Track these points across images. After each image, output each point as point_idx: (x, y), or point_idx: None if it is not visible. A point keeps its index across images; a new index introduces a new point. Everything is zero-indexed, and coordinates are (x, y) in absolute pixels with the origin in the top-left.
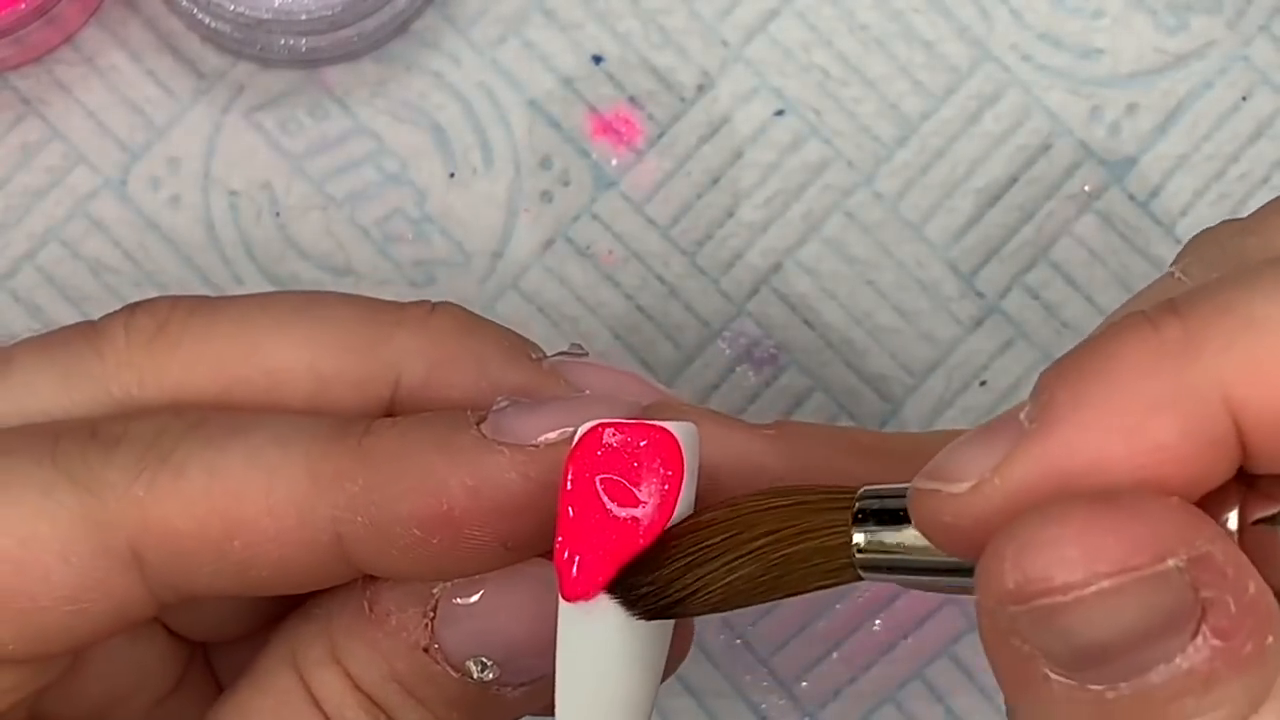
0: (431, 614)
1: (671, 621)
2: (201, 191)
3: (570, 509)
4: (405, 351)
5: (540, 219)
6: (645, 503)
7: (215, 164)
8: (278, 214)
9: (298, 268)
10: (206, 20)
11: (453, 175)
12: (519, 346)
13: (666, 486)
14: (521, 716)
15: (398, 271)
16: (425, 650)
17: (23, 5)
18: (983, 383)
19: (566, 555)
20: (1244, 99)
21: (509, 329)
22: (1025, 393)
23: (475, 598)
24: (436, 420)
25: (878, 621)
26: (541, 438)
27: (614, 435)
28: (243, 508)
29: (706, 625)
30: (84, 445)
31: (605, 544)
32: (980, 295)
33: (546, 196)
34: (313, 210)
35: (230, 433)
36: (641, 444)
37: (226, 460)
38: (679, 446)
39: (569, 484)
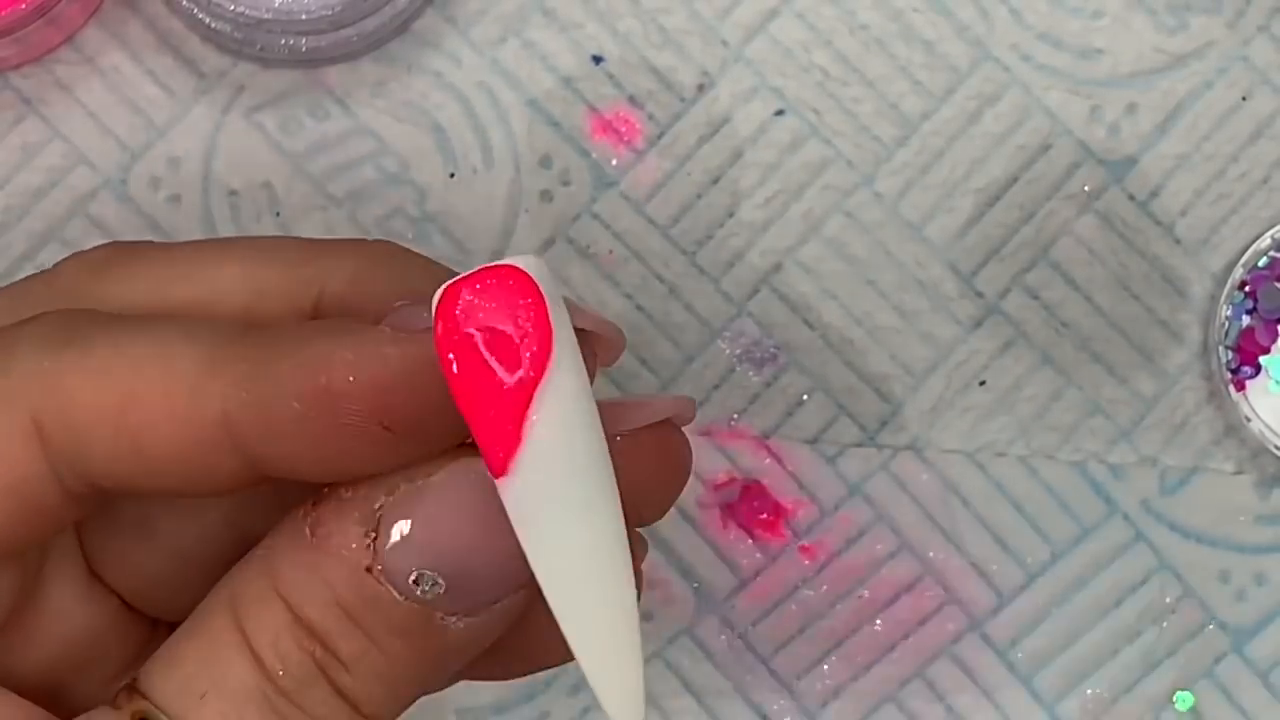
0: (373, 533)
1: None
2: (201, 191)
3: (459, 384)
4: (332, 266)
5: (540, 219)
6: (521, 344)
7: (215, 164)
8: (278, 214)
9: None
10: (206, 20)
11: (453, 175)
12: (443, 275)
13: (533, 314)
14: (461, 661)
15: None
16: (368, 570)
17: (23, 5)
18: (982, 383)
19: (479, 434)
20: (1244, 99)
21: (442, 264)
22: (1025, 393)
23: (417, 508)
24: (332, 318)
25: (878, 621)
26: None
27: (466, 289)
28: (140, 382)
29: (708, 626)
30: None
31: (504, 408)
32: (980, 295)
33: (546, 196)
34: (313, 210)
35: (143, 321)
36: (490, 282)
37: (133, 340)
38: (527, 275)
39: (448, 355)
